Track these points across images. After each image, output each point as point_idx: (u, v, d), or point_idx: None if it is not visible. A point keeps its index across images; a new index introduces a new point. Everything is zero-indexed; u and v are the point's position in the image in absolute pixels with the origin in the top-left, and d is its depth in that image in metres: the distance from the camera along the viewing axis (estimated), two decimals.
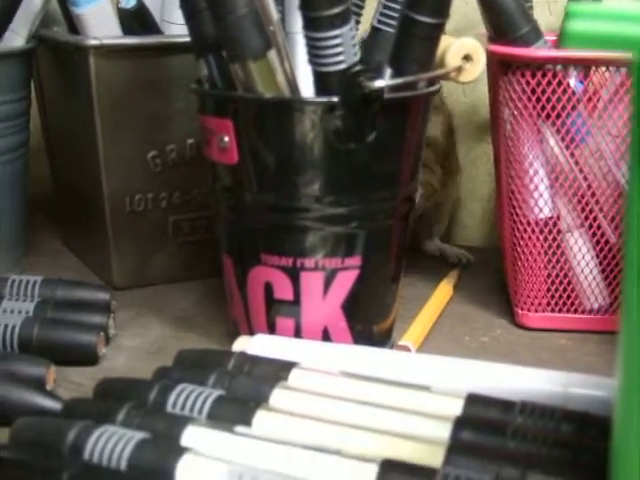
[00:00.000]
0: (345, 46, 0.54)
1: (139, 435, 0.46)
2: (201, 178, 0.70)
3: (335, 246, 0.58)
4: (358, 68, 0.55)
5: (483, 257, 0.82)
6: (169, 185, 0.75)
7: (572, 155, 0.64)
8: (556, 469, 0.44)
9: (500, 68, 0.64)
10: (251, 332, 0.62)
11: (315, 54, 0.55)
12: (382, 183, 0.58)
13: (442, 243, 0.84)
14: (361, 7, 0.65)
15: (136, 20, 0.72)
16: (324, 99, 0.56)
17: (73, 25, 0.73)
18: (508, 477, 0.43)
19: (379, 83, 0.54)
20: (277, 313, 0.61)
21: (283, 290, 0.60)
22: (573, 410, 0.49)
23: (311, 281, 0.59)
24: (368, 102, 0.55)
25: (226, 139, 0.58)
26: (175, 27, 0.75)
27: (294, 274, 0.59)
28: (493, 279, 0.78)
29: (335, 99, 0.55)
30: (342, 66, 0.55)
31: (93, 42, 0.69)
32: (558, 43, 0.66)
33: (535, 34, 0.63)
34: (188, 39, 0.61)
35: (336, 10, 0.53)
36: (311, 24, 0.54)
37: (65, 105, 0.78)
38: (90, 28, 0.71)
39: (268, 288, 0.60)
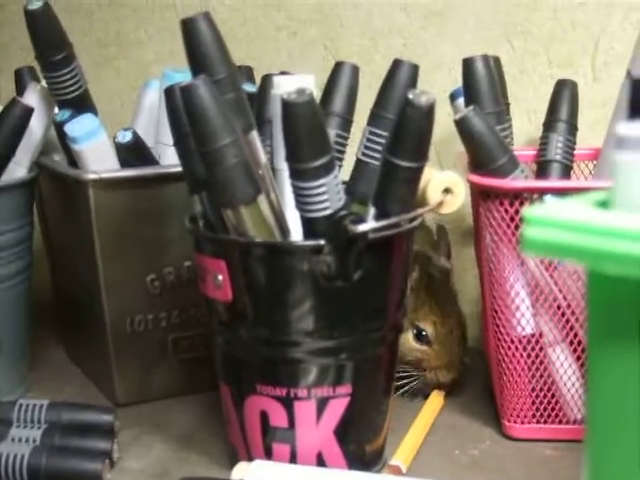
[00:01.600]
0: (330, 193, 0.58)
1: None
2: (198, 298, 0.73)
3: (326, 376, 0.62)
4: (343, 213, 0.58)
5: (473, 359, 0.85)
6: (168, 305, 0.78)
7: (551, 276, 0.67)
8: None
9: (480, 196, 0.67)
10: (249, 456, 0.65)
11: (302, 201, 0.58)
12: (370, 315, 0.62)
13: None
14: (346, 138, 0.68)
15: (132, 153, 0.75)
16: (312, 242, 0.59)
17: (72, 157, 0.76)
18: None
19: (363, 227, 0.58)
20: (273, 439, 0.64)
21: (278, 418, 0.63)
22: None
23: (304, 409, 0.62)
24: (353, 243, 0.58)
25: (220, 278, 0.61)
26: (170, 149, 0.79)
27: (288, 403, 0.62)
28: (482, 384, 0.80)
29: (322, 242, 0.58)
30: (328, 212, 0.58)
31: (92, 176, 0.73)
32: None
33: (512, 164, 0.66)
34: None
35: (320, 162, 0.56)
36: (297, 175, 0.57)
37: (66, 228, 0.81)
38: (89, 162, 0.74)
39: (264, 416, 0.63)
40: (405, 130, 0.57)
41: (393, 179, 0.59)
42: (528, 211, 0.35)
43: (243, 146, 0.58)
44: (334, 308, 0.60)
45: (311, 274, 0.59)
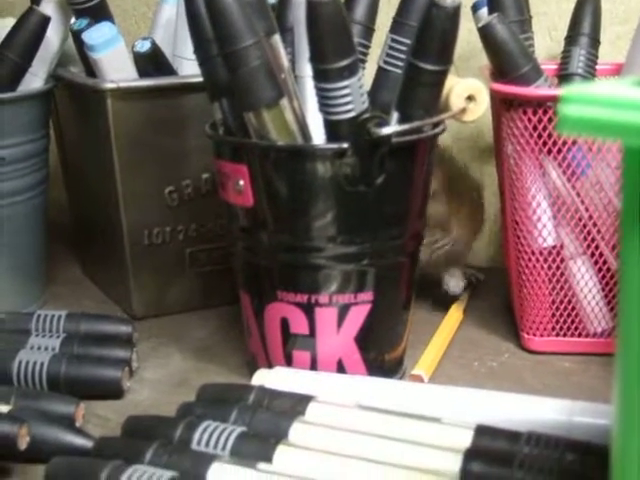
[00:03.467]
0: (354, 95, 0.57)
1: (167, 474, 0.49)
2: (216, 211, 0.73)
3: (347, 283, 0.61)
4: (367, 116, 0.58)
5: (490, 277, 0.85)
6: (186, 218, 0.77)
7: (573, 187, 0.67)
8: None
9: (502, 105, 0.66)
10: (269, 364, 0.65)
11: (325, 103, 0.58)
12: (392, 222, 0.61)
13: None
14: (367, 47, 0.67)
15: (151, 62, 0.74)
16: (334, 145, 0.59)
17: (90, 67, 0.76)
18: None
19: (387, 130, 0.57)
20: (293, 347, 0.63)
21: (299, 325, 0.63)
22: (576, 440, 0.52)
23: (325, 316, 0.62)
24: (376, 147, 0.58)
25: (241, 183, 0.61)
26: (186, 62, 0.78)
27: (309, 310, 0.62)
28: (500, 300, 0.80)
29: (345, 145, 0.58)
30: (351, 114, 0.58)
31: (110, 85, 0.72)
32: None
33: (535, 72, 0.65)
34: (201, 79, 0.64)
35: (345, 62, 0.56)
36: (321, 76, 0.57)
37: (83, 142, 0.81)
38: (107, 71, 0.73)
39: (284, 323, 0.63)
40: (430, 32, 0.57)
41: (417, 83, 0.59)
42: (566, 89, 0.34)
43: (266, 49, 0.58)
44: (356, 213, 0.60)
45: (334, 178, 0.58)
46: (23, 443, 0.53)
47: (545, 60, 0.82)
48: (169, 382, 0.68)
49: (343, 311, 0.62)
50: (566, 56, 0.76)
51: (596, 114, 0.33)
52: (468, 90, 0.63)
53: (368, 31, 0.67)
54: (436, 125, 0.62)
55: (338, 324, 0.62)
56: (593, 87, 0.34)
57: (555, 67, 0.77)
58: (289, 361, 0.64)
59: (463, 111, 0.63)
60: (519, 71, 0.65)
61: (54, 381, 0.64)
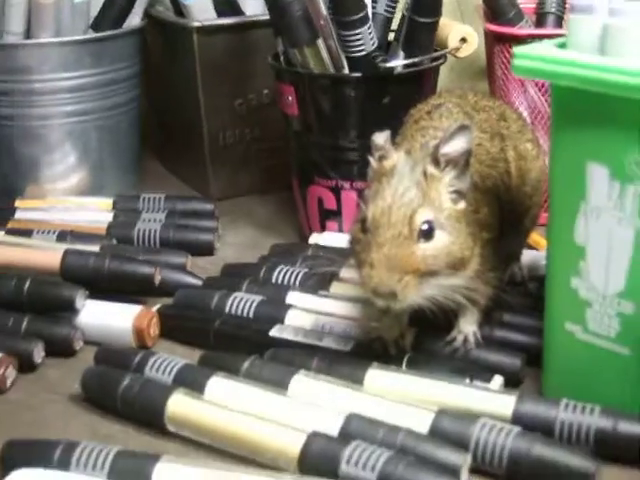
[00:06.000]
0: (365, 39, 0.81)
1: (258, 298, 0.73)
2: (275, 117, 0.96)
3: (365, 172, 0.84)
4: (375, 54, 0.82)
5: None
6: (252, 123, 1.02)
7: (546, 100, 0.90)
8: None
9: (494, 41, 0.89)
10: (310, 231, 0.89)
11: (345, 45, 0.82)
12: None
13: None
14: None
15: (226, 5, 0.98)
16: (354, 75, 0.82)
17: (178, 8, 0.99)
18: None
19: (391, 64, 0.81)
20: (326, 218, 0.87)
21: (330, 203, 0.86)
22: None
23: (348, 197, 0.85)
24: (384, 77, 0.81)
25: (290, 98, 0.85)
26: (249, 2, 1.01)
27: (337, 192, 0.86)
28: None
29: (360, 74, 0.82)
30: (363, 53, 0.82)
31: (196, 24, 0.96)
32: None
33: (519, 16, 0.88)
34: (265, 18, 0.88)
35: (359, 15, 0.80)
36: (342, 25, 0.81)
37: (170, 69, 1.05)
38: (193, 13, 0.97)
39: (320, 202, 0.87)
40: None
41: (415, 31, 0.82)
42: (516, 49, 0.57)
43: (306, 2, 0.80)
44: (373, 122, 0.78)
45: (355, 97, 0.82)
46: (156, 281, 0.77)
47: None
48: (245, 244, 0.92)
49: (360, 194, 0.85)
50: None
51: (532, 65, 0.57)
52: (462, 34, 0.86)
53: None
54: (435, 59, 0.85)
55: (357, 203, 0.85)
56: (531, 48, 0.57)
57: (534, 6, 0.99)
58: (323, 229, 0.88)
59: (457, 49, 0.85)
60: (507, 16, 0.88)
61: (165, 242, 0.88)
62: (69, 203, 0.96)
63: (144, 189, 1.03)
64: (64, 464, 0.55)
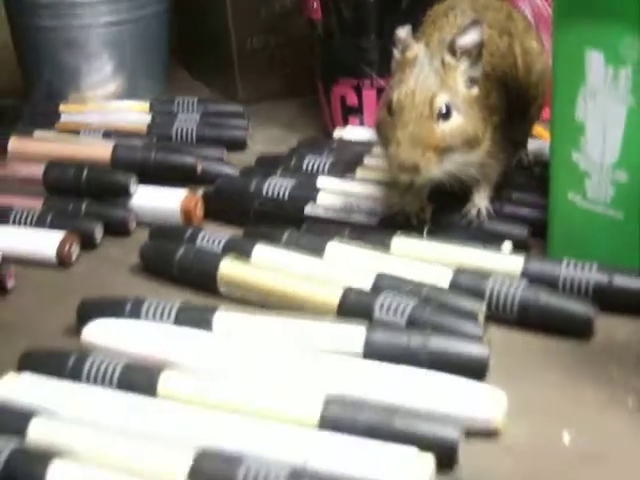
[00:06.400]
0: None
1: (291, 182, 0.81)
2: (299, 24, 1.04)
3: (383, 71, 0.91)
4: None
5: None
6: (277, 30, 1.10)
7: (548, 4, 0.97)
8: None
9: None
10: (333, 127, 0.97)
11: None
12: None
13: None
14: None
15: None
16: None
17: None
18: None
19: None
20: (348, 114, 0.96)
21: (352, 100, 0.95)
22: None
23: (369, 95, 0.94)
24: None
25: (315, 4, 0.92)
26: None
27: (359, 90, 0.94)
28: None
29: None
30: None
31: None
32: None
33: None
34: None
35: None
36: None
37: None
38: None
39: (343, 99, 0.95)
40: None
41: None
42: None
43: None
44: (390, 25, 0.84)
45: (372, 1, 0.90)
46: (199, 170, 0.85)
47: None
48: (274, 141, 1.00)
49: (380, 92, 0.93)
50: None
51: None
52: None
53: None
54: None
55: (377, 101, 0.93)
56: None
57: None
58: (346, 125, 0.96)
59: None
60: None
61: (201, 139, 0.96)
62: (109, 107, 1.04)
63: (177, 93, 1.10)
64: (135, 316, 0.64)
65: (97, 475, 0.49)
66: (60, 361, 0.58)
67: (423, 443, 0.51)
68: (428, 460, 0.50)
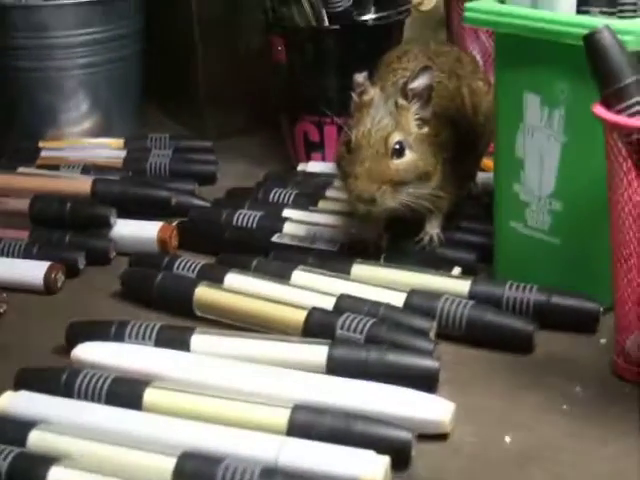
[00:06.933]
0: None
1: (259, 213, 0.88)
2: (263, 65, 1.10)
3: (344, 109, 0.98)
4: (350, 9, 0.97)
5: None
6: (243, 70, 1.17)
7: (493, 41, 1.05)
8: None
9: None
10: (297, 161, 1.04)
11: (325, 2, 0.97)
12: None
13: None
14: None
15: None
16: (333, 27, 0.98)
17: None
18: None
19: (363, 17, 0.97)
20: (311, 150, 1.03)
21: (314, 137, 1.02)
22: None
23: (330, 131, 1.01)
24: (358, 27, 0.97)
25: (280, 48, 1.00)
26: None
27: (320, 126, 1.01)
28: None
29: (338, 26, 0.97)
30: (341, 9, 0.97)
31: None
32: None
33: None
34: None
35: None
36: None
37: (169, 20, 1.20)
38: None
39: (306, 135, 1.02)
40: None
41: None
42: (467, 4, 0.73)
43: None
44: (351, 63, 0.93)
45: (334, 45, 0.98)
46: (173, 202, 0.92)
47: None
48: (241, 175, 1.06)
49: (340, 129, 0.99)
50: None
51: (479, 16, 0.72)
52: None
53: None
54: (399, 13, 1.00)
55: (337, 137, 1.00)
56: (478, 3, 0.73)
57: None
58: (309, 159, 1.03)
59: (420, 4, 1.01)
60: None
61: (174, 173, 1.02)
62: (86, 143, 1.10)
63: (153, 132, 1.15)
64: (119, 337, 0.70)
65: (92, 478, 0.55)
66: (54, 377, 0.65)
67: (380, 445, 0.58)
68: (384, 461, 0.57)
